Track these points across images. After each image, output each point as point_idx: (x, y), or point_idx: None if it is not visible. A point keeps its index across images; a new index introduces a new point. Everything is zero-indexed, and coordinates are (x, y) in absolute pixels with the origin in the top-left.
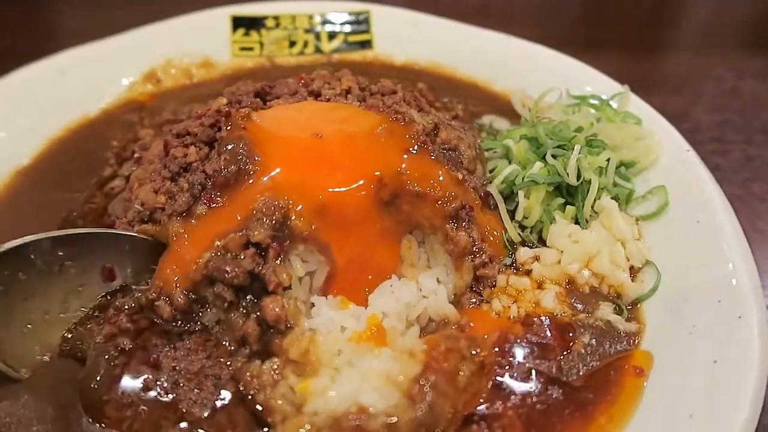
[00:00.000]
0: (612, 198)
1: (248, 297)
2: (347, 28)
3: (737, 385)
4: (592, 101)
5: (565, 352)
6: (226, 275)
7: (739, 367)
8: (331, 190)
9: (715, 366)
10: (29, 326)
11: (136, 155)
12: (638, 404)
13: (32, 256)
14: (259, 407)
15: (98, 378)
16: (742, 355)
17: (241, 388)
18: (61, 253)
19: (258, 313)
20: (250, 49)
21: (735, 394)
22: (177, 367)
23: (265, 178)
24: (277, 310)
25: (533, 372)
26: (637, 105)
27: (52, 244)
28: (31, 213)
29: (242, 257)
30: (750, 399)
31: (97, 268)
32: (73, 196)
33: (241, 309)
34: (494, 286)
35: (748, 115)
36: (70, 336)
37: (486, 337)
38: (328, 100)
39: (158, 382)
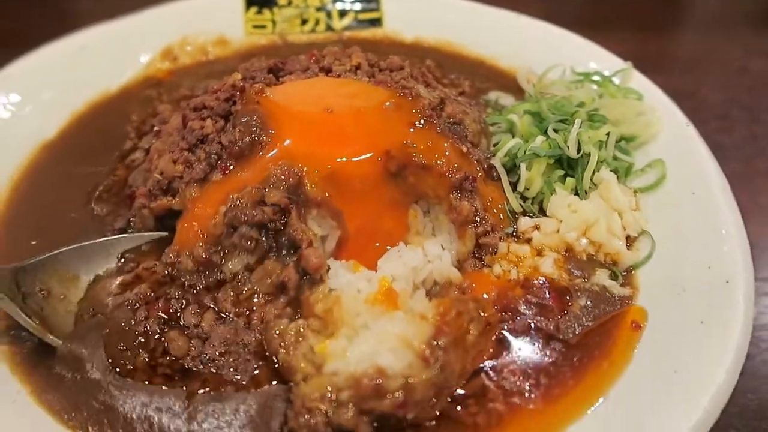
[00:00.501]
0: (612, 171)
1: (275, 248)
2: (357, 6)
3: (720, 344)
4: (595, 78)
5: (562, 313)
6: (248, 217)
7: (723, 327)
8: (340, 160)
9: (701, 326)
10: (69, 309)
11: (155, 129)
12: (632, 356)
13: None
14: (281, 366)
15: (122, 330)
16: (727, 316)
17: (265, 346)
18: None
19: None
20: (263, 27)
21: (717, 353)
22: (203, 326)
23: (278, 149)
24: (317, 259)
25: (533, 329)
26: (639, 81)
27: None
28: (59, 186)
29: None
30: (731, 359)
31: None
32: (96, 169)
33: (274, 256)
34: (495, 252)
35: (755, 94)
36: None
37: (487, 296)
38: (339, 75)
39: (185, 340)
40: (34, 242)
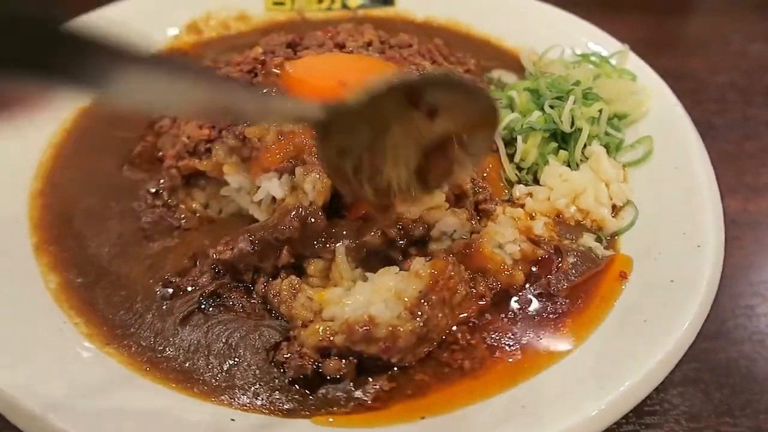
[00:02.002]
0: (604, 146)
1: None
2: None
3: (686, 299)
4: (593, 58)
5: (553, 271)
6: None
7: (691, 285)
8: None
9: (671, 284)
10: None
11: None
12: (609, 309)
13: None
14: (285, 317)
15: None
16: (694, 276)
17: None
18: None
19: None
20: (282, 3)
21: (683, 307)
22: None
23: None
24: None
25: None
26: (634, 63)
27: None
28: (96, 149)
29: None
30: (694, 311)
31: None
32: (128, 135)
33: None
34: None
35: (752, 78)
36: None
37: None
38: (351, 51)
39: None
40: (78, 200)
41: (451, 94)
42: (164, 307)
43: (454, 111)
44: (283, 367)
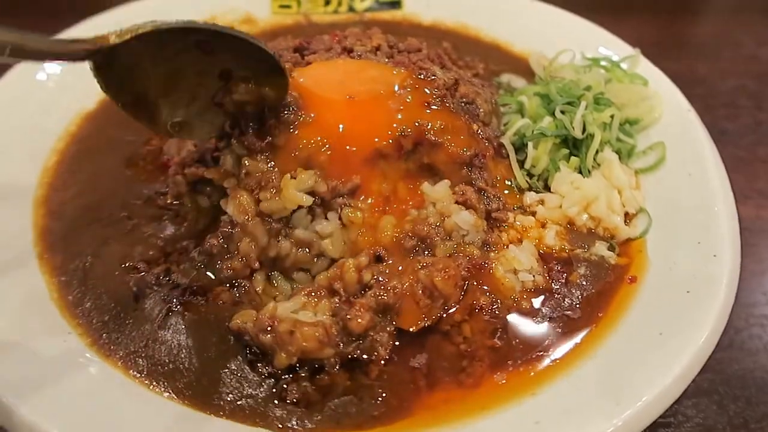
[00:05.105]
0: (616, 152)
1: None
2: None
3: (703, 311)
4: (603, 63)
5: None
6: None
7: (707, 296)
8: (359, 140)
9: (687, 295)
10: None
11: None
12: (622, 320)
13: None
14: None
15: None
16: (711, 287)
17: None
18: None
19: None
20: (288, 6)
21: (700, 319)
22: None
23: (305, 129)
24: None
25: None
26: (646, 67)
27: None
28: (100, 152)
29: None
30: (711, 324)
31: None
32: (133, 138)
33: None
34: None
35: (763, 82)
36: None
37: None
38: (360, 56)
39: None
40: (80, 206)
41: (239, 49)
42: (136, 311)
43: (245, 69)
44: (283, 393)
